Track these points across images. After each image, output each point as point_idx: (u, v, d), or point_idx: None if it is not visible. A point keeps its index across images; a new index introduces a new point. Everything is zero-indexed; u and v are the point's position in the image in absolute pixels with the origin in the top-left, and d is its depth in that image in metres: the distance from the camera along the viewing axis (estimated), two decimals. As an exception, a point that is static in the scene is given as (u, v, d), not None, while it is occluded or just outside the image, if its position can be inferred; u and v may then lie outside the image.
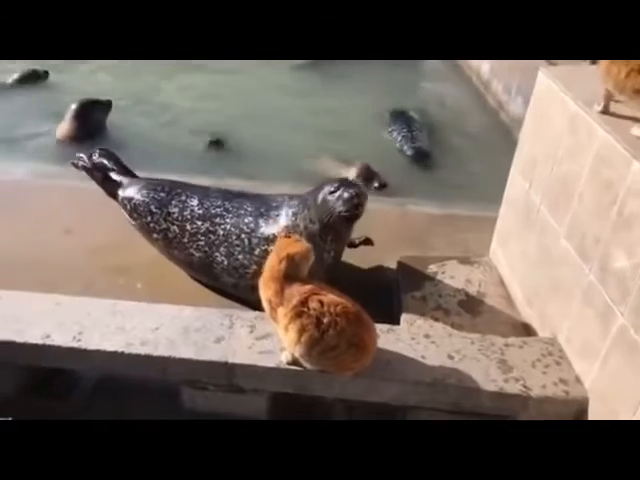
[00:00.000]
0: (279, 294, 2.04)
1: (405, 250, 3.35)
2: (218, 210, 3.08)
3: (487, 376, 2.16)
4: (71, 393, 2.52)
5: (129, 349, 2.26)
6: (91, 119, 5.01)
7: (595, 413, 2.06)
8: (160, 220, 3.17)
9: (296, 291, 2.02)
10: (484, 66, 6.25)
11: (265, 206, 3.01)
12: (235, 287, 3.05)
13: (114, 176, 3.43)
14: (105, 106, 5.13)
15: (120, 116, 5.55)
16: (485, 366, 2.21)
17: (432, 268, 3.02)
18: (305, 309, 1.98)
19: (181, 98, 6.24)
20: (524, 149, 2.67)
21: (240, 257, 2.95)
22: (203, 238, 3.05)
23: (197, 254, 3.07)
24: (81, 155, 3.51)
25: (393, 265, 3.33)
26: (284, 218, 2.89)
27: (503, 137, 5.40)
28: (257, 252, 2.91)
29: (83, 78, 6.80)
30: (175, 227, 3.13)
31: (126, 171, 3.48)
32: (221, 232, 3.01)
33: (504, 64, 5.71)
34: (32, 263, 3.30)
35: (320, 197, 2.76)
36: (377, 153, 4.97)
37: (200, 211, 3.10)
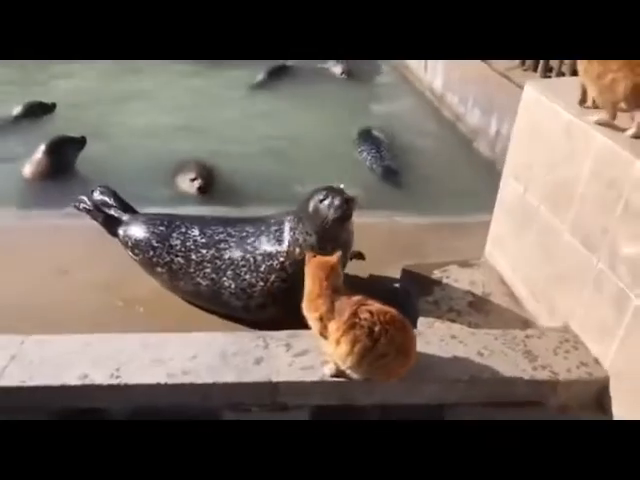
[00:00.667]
0: (331, 309, 2.13)
1: (398, 259, 3.51)
2: (221, 236, 3.14)
3: (517, 367, 2.33)
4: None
5: (172, 380, 2.28)
6: (61, 156, 4.89)
7: (616, 390, 2.27)
8: (163, 254, 3.20)
9: (346, 304, 2.12)
10: (437, 80, 6.61)
11: (264, 225, 3.10)
12: (245, 309, 3.10)
13: (114, 213, 3.43)
14: (78, 143, 5.02)
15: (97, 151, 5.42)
16: (513, 358, 2.38)
17: (436, 273, 3.20)
18: (357, 320, 2.08)
19: (144, 129, 6.20)
20: (516, 156, 2.90)
21: (247, 277, 3.02)
22: (209, 265, 3.09)
23: (204, 282, 3.11)
24: (82, 197, 3.50)
25: (389, 274, 3.49)
26: (285, 233, 2.99)
27: (465, 148, 5.73)
28: (262, 269, 3.00)
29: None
30: (179, 258, 3.16)
31: (126, 207, 3.49)
32: (227, 256, 3.07)
33: (456, 77, 6.07)
34: (34, 306, 3.22)
35: (311, 207, 2.89)
36: (352, 173, 5.12)
37: (203, 240, 3.14)
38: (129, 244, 3.32)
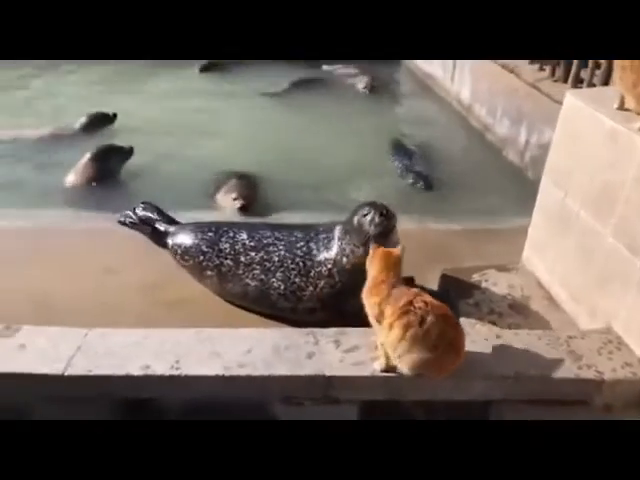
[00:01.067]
0: (389, 295, 2.26)
1: (432, 264, 3.59)
2: (269, 240, 3.26)
3: (562, 365, 2.40)
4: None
5: (229, 372, 2.38)
6: (106, 164, 5.07)
7: (661, 390, 2.33)
8: (212, 257, 3.33)
9: (404, 292, 2.27)
10: (464, 91, 6.71)
11: (313, 232, 3.21)
12: (293, 311, 3.20)
13: (160, 226, 3.62)
14: (125, 153, 5.20)
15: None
16: (557, 357, 2.44)
17: (475, 277, 3.28)
18: (412, 307, 2.19)
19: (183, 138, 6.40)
20: (556, 162, 2.98)
21: (297, 280, 3.12)
22: (258, 267, 3.21)
23: (253, 283, 3.22)
24: (127, 212, 3.69)
25: (425, 278, 3.57)
26: (333, 242, 3.10)
27: (494, 156, 5.81)
28: (312, 274, 3.10)
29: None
30: (229, 261, 3.29)
31: (170, 220, 3.66)
32: (276, 259, 3.18)
33: (485, 88, 6.16)
34: (81, 304, 3.36)
35: (355, 221, 3.02)
36: (384, 182, 5.23)
37: (252, 243, 3.27)
38: (178, 252, 3.47)
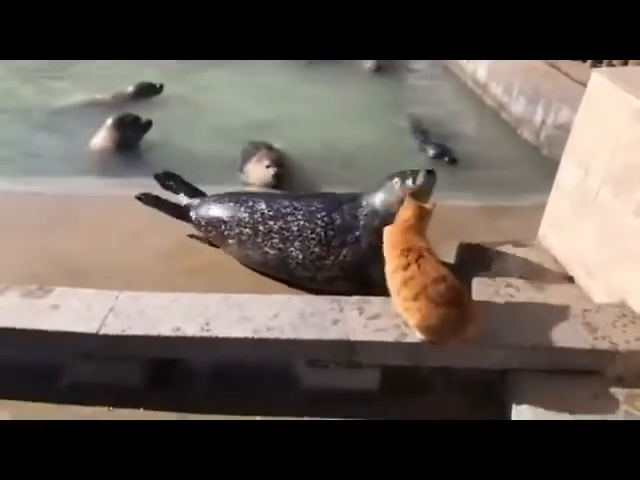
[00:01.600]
0: (402, 241, 2.48)
1: (447, 239, 3.65)
2: (288, 209, 3.32)
3: (578, 336, 2.49)
4: (192, 382, 2.70)
5: (258, 334, 2.48)
6: (125, 133, 5.13)
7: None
8: (233, 226, 3.42)
9: (417, 242, 2.49)
10: (480, 70, 6.69)
11: (336, 201, 3.27)
12: (312, 280, 3.28)
13: (182, 200, 3.75)
14: (143, 125, 5.25)
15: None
16: (573, 329, 2.53)
17: (492, 252, 3.35)
18: (423, 267, 2.38)
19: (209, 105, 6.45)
20: (577, 142, 3.03)
21: (316, 249, 3.20)
22: (277, 236, 3.28)
23: (272, 252, 3.30)
24: (144, 193, 3.77)
25: (442, 254, 3.64)
26: (359, 211, 3.17)
27: (510, 134, 5.83)
28: (334, 243, 3.17)
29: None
30: (248, 230, 3.37)
31: (191, 190, 3.77)
32: (295, 228, 3.25)
33: (502, 67, 6.15)
34: (109, 268, 3.44)
35: (395, 181, 3.11)
36: (405, 158, 5.26)
37: (270, 212, 3.34)
38: (202, 223, 3.58)
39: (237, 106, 6.57)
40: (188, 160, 5.06)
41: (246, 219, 3.39)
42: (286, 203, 3.36)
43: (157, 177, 3.87)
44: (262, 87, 7.26)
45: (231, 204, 3.50)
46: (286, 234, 3.27)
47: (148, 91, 6.64)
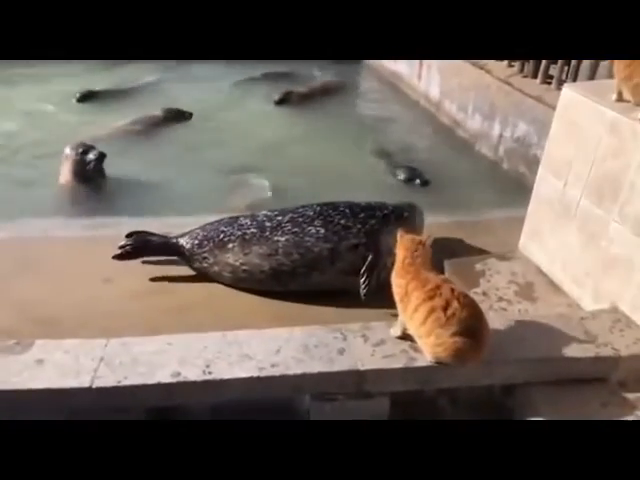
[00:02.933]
0: (415, 279, 2.35)
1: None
2: (298, 209, 3.45)
3: (581, 345, 2.52)
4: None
5: (263, 373, 2.37)
6: (84, 167, 4.89)
7: (671, 363, 2.48)
8: (234, 231, 3.43)
9: (432, 277, 2.35)
10: (432, 89, 6.86)
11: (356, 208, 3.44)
12: (331, 253, 3.28)
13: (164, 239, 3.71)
14: (98, 156, 5.00)
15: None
16: (575, 338, 2.56)
17: (478, 267, 3.39)
18: (438, 292, 2.27)
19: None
20: (554, 154, 3.12)
21: (342, 221, 3.32)
22: (289, 224, 3.35)
23: (284, 237, 3.33)
24: (122, 244, 3.66)
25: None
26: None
27: (467, 151, 5.98)
28: (362, 215, 3.36)
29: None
30: (252, 229, 3.41)
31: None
32: (310, 213, 3.38)
33: (455, 85, 6.33)
34: (83, 314, 3.24)
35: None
36: (374, 182, 5.30)
37: (275, 212, 3.46)
38: (196, 241, 3.51)
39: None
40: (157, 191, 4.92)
41: (248, 223, 3.44)
42: (288, 210, 3.46)
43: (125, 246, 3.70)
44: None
45: (227, 219, 3.54)
46: (301, 219, 3.34)
47: (177, 117, 6.49)
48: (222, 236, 3.42)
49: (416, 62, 7.26)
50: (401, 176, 5.33)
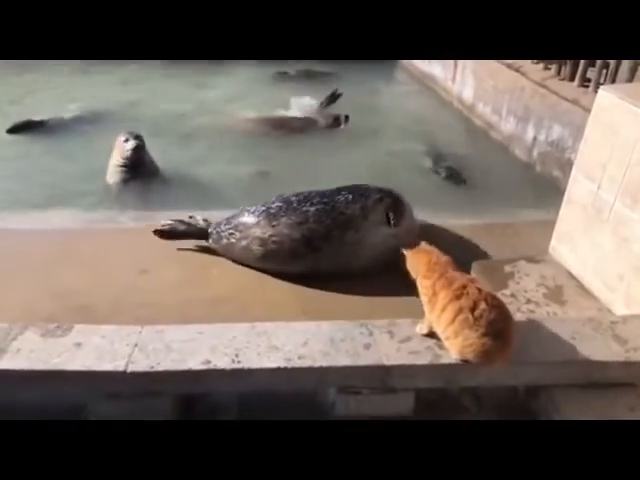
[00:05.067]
0: (442, 277, 2.36)
1: (461, 259, 3.66)
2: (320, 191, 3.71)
3: (610, 349, 2.50)
4: (219, 415, 2.63)
5: (290, 364, 2.43)
6: (141, 156, 5.01)
7: None
8: (259, 207, 3.66)
9: (458, 276, 2.36)
10: (466, 91, 6.83)
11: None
12: (362, 211, 3.54)
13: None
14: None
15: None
16: (604, 342, 2.54)
17: (507, 269, 3.37)
18: (465, 292, 2.28)
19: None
20: (587, 157, 3.09)
21: (365, 187, 3.67)
22: (317, 197, 3.58)
23: (313, 208, 3.52)
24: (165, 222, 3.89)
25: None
26: None
27: (500, 153, 5.94)
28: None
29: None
30: (278, 203, 3.61)
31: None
32: (335, 189, 3.68)
33: (489, 87, 6.30)
34: (118, 303, 3.36)
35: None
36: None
37: (301, 192, 3.70)
38: (223, 225, 3.74)
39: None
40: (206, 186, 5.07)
41: (275, 202, 3.64)
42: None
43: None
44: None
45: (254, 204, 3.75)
46: (328, 192, 3.63)
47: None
48: (246, 213, 3.65)
49: (450, 64, 7.24)
50: (443, 174, 5.36)
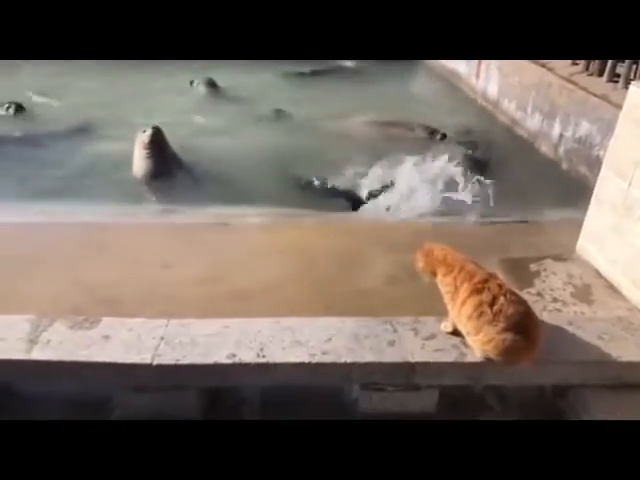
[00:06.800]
0: (462, 270, 2.37)
1: (487, 257, 3.62)
2: None
3: (640, 350, 2.46)
4: (242, 409, 2.65)
5: (314, 359, 2.43)
6: (166, 150, 5.15)
7: None
8: None
9: (478, 270, 2.35)
10: (491, 87, 6.75)
11: None
12: None
13: None
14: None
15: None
16: (634, 342, 2.50)
17: (533, 267, 3.33)
18: (485, 286, 2.27)
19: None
20: (618, 154, 3.03)
21: None
22: None
23: None
24: None
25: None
26: None
27: (525, 150, 5.86)
28: None
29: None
30: None
31: None
32: None
33: (514, 83, 6.21)
34: (143, 296, 3.40)
35: None
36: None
37: None
38: None
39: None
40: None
41: None
42: None
43: None
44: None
45: None
46: None
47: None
48: None
49: (474, 60, 7.16)
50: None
